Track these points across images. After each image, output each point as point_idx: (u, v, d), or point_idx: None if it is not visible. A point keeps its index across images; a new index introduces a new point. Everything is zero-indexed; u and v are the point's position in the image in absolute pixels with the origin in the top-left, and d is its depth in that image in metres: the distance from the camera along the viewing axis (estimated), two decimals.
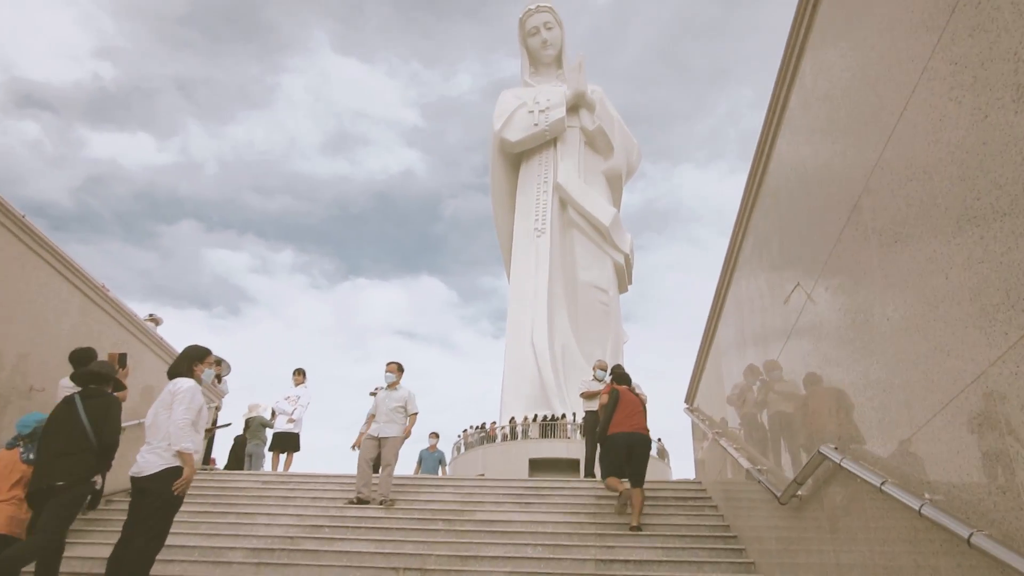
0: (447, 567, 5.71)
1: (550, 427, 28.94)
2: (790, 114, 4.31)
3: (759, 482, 4.87)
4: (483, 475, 15.89)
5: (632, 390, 9.61)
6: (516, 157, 40.23)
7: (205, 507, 7.30)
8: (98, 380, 5.11)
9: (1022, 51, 1.89)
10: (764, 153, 4.85)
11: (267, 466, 11.74)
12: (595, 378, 10.31)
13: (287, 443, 11.32)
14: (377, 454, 7.90)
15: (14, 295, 6.48)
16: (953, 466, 2.37)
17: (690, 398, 9.17)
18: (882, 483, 2.71)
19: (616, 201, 39.71)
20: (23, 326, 6.60)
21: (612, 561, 5.78)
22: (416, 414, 8.23)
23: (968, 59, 2.21)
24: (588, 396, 10.14)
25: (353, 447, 8.44)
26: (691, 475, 9.99)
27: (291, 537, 6.35)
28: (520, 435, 29.42)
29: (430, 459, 13.67)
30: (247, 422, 12.93)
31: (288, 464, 11.32)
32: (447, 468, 14.22)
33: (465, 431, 32.12)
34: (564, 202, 37.66)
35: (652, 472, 11.45)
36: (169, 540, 5.05)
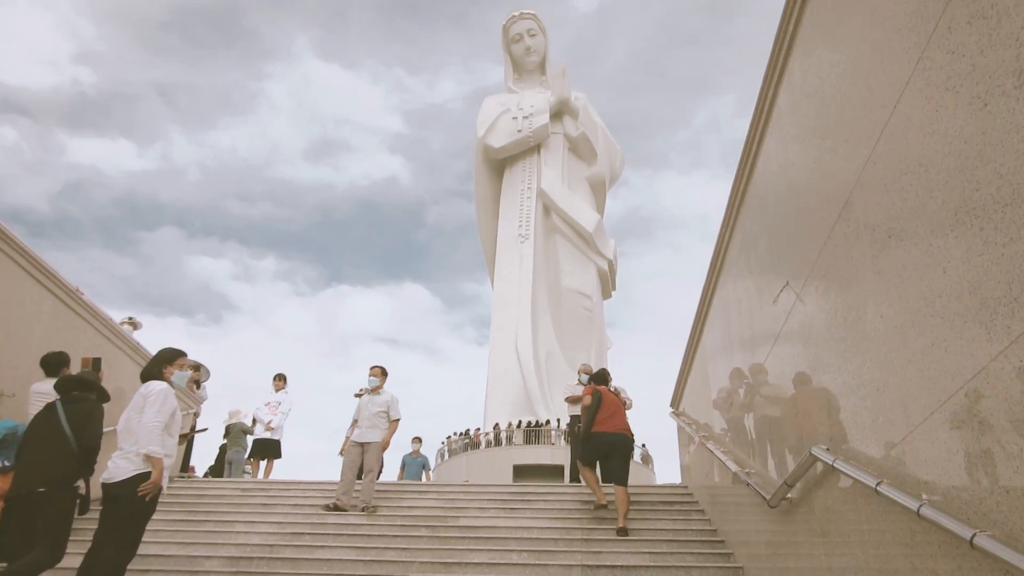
0: (430, 574, 5.59)
1: (534, 433, 28.81)
2: (778, 112, 4.26)
3: (747, 485, 4.80)
4: (467, 481, 15.75)
5: (614, 391, 9.61)
6: (500, 163, 40.19)
7: (182, 515, 7.13)
8: (81, 387, 5.04)
9: None
10: (751, 152, 4.80)
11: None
12: (580, 382, 10.23)
13: (268, 450, 11.13)
14: (362, 460, 7.77)
15: None
16: (952, 465, 2.31)
17: (675, 402, 9.12)
18: (877, 484, 2.64)
19: (600, 207, 39.76)
20: None
21: (599, 567, 5.69)
22: (398, 420, 8.09)
23: (966, 47, 2.16)
24: (573, 400, 10.07)
25: (340, 453, 8.30)
26: (676, 481, 9.93)
27: (270, 545, 6.20)
28: (504, 441, 29.26)
29: (413, 464, 13.53)
30: (227, 429, 12.72)
31: (268, 471, 11.13)
32: (431, 474, 14.07)
33: (449, 437, 31.91)
34: (548, 208, 37.64)
35: (636, 478, 11.39)
36: (144, 549, 4.91)
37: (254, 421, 11.66)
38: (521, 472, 25.71)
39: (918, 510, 2.29)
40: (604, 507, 7.15)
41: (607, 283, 38.11)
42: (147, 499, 4.38)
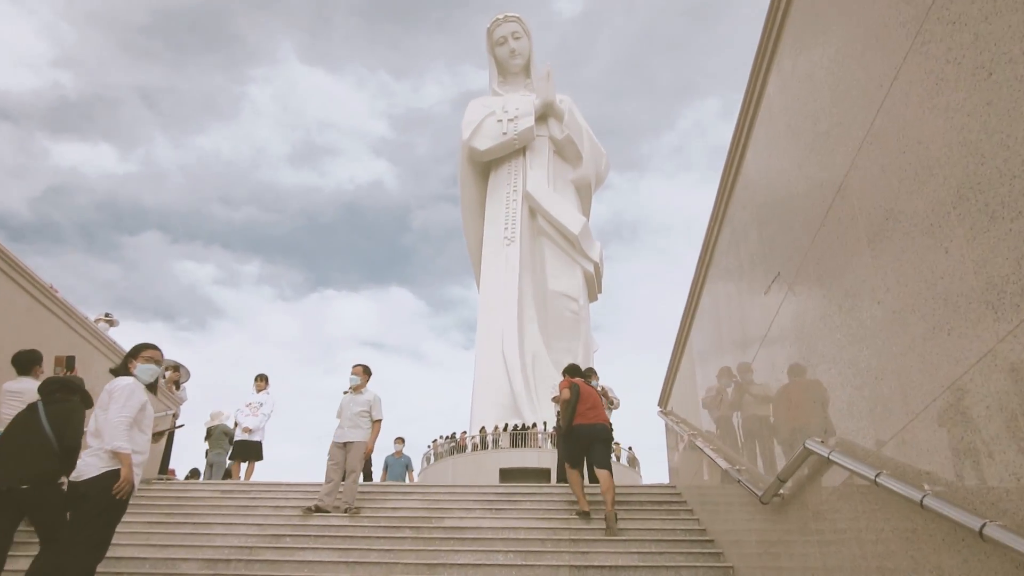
0: (414, 575, 5.46)
1: (521, 436, 28.70)
2: (768, 97, 4.18)
3: (738, 482, 4.70)
4: None
5: (601, 391, 9.59)
6: (485, 166, 40.13)
7: (159, 517, 6.95)
8: (65, 390, 4.94)
9: None
10: (740, 142, 4.72)
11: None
12: None
13: (249, 452, 10.92)
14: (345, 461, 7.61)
15: None
16: (956, 454, 2.21)
17: (663, 401, 9.02)
18: (877, 475, 2.54)
19: (585, 210, 39.77)
20: None
21: (587, 567, 5.57)
22: (380, 421, 7.91)
23: (968, 16, 2.07)
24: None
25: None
26: (662, 483, 9.84)
27: (249, 547, 6.04)
28: (490, 444, 29.14)
29: (396, 464, 13.37)
30: (209, 431, 12.52)
31: (249, 473, 10.93)
32: (414, 475, 13.91)
33: (435, 441, 31.74)
34: (533, 211, 37.61)
35: (623, 480, 11.30)
36: (118, 552, 4.77)
37: (236, 423, 11.46)
38: (507, 475, 25.56)
39: (921, 501, 2.19)
40: (587, 514, 7.01)
41: (593, 286, 38.09)
42: (118, 497, 4.21)
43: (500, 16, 42.24)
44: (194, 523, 6.79)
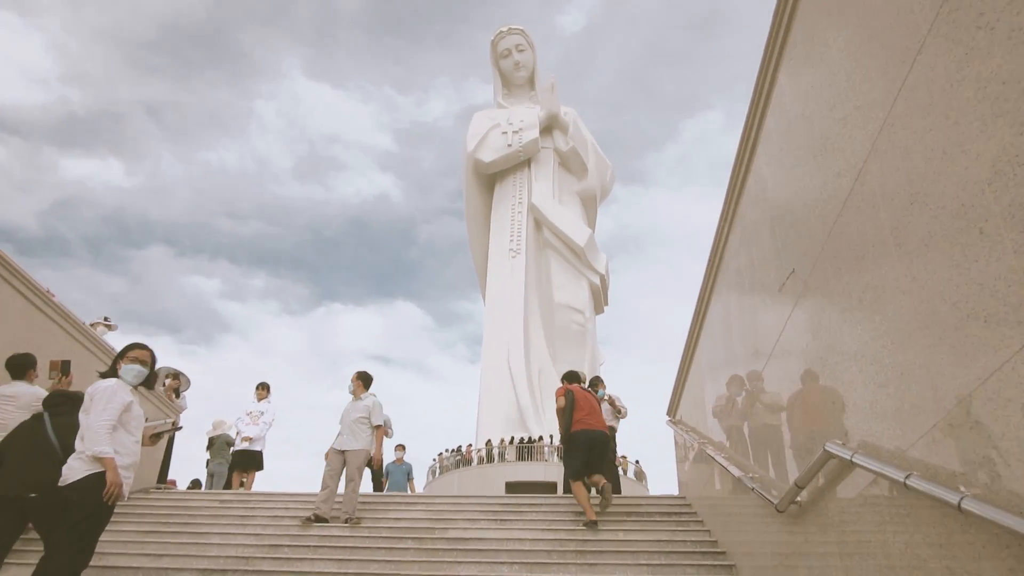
0: None
1: (527, 450, 28.45)
2: (779, 89, 4.03)
3: (752, 490, 4.51)
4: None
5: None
6: (490, 178, 40.10)
7: (154, 527, 6.78)
8: (70, 403, 4.89)
9: None
10: (751, 136, 4.56)
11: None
12: None
13: (249, 461, 10.74)
14: (342, 469, 7.43)
15: None
16: (995, 453, 2.03)
17: (672, 410, 8.82)
18: (907, 477, 2.36)
19: (591, 222, 39.68)
20: None
21: None
22: (380, 426, 7.73)
23: None
24: None
25: (326, 457, 7.97)
26: (671, 494, 9.62)
27: (246, 558, 5.86)
28: (496, 458, 28.90)
29: (397, 472, 13.15)
30: (211, 440, 12.39)
31: (249, 483, 10.75)
32: (414, 484, 13.67)
33: (440, 454, 31.51)
34: (539, 223, 37.54)
35: (630, 493, 11.07)
36: (111, 561, 4.62)
37: (237, 433, 11.30)
38: (514, 489, 25.31)
39: (959, 504, 2.01)
40: (594, 524, 6.87)
41: (599, 298, 37.91)
42: (108, 502, 4.05)
43: (504, 29, 42.37)
44: (190, 533, 6.62)
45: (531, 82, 42.39)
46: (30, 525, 4.57)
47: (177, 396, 10.46)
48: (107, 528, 6.35)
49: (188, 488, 13.30)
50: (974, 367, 2.09)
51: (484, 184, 40.39)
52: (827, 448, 3.16)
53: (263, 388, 11.26)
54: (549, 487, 23.99)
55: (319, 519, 7.01)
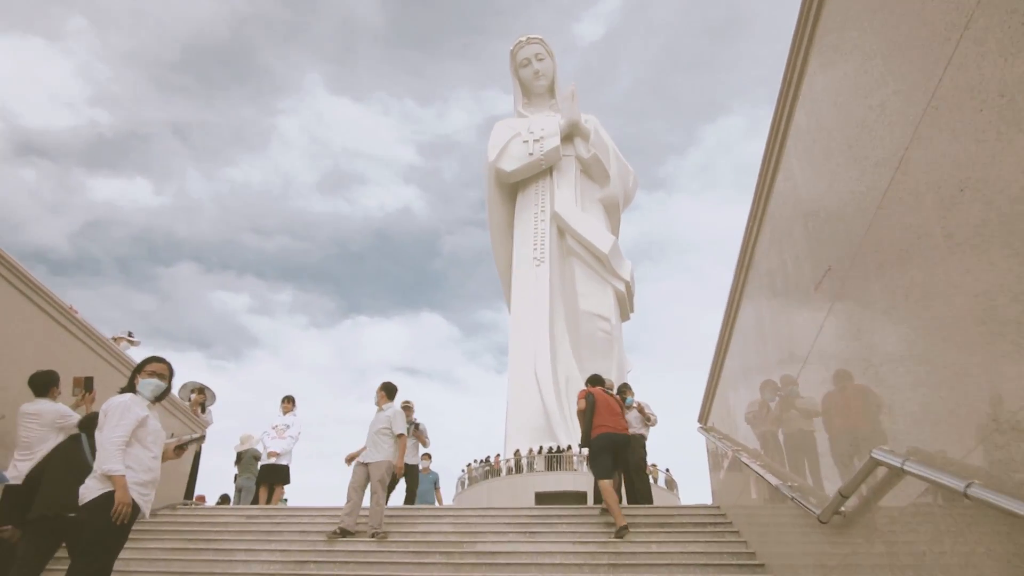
0: None
1: (556, 459, 28.19)
2: (810, 79, 3.86)
3: (791, 500, 4.31)
4: None
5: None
6: (512, 187, 40.04)
7: (180, 543, 6.72)
8: None
9: None
10: (780, 129, 4.39)
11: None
12: None
13: (275, 475, 10.68)
14: (367, 482, 7.32)
15: None
16: None
17: (703, 417, 8.60)
18: (967, 486, 2.17)
19: (614, 228, 39.42)
20: None
21: None
22: (402, 435, 7.61)
23: None
24: None
25: (347, 461, 7.87)
26: (704, 503, 9.38)
27: (271, 574, 5.76)
28: (525, 468, 28.68)
29: (424, 481, 12.99)
30: (239, 455, 12.38)
31: (276, 498, 10.68)
32: (441, 493, 13.47)
33: (469, 465, 31.35)
34: (562, 231, 37.36)
35: (661, 503, 10.84)
36: None
37: (265, 447, 11.26)
38: (543, 499, 25.06)
39: None
40: (625, 529, 6.74)
41: (625, 305, 37.59)
42: (117, 522, 3.94)
43: (523, 38, 42.39)
44: (215, 549, 6.55)
45: (551, 91, 42.32)
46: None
47: (203, 411, 10.45)
48: (132, 545, 6.30)
49: (217, 503, 13.31)
50: None
51: (506, 193, 40.34)
52: (874, 455, 2.97)
53: (288, 401, 11.21)
54: (579, 497, 23.71)
55: (344, 533, 6.90)
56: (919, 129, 2.59)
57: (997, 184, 2.08)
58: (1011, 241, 2.01)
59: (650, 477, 15.03)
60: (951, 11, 2.29)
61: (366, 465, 7.39)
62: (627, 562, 5.99)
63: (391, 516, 7.58)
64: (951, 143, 2.36)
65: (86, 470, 4.42)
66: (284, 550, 6.50)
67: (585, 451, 9.08)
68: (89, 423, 4.92)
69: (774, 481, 4.79)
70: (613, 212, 39.57)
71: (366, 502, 7.31)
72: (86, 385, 6.25)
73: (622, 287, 36.68)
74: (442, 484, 13.54)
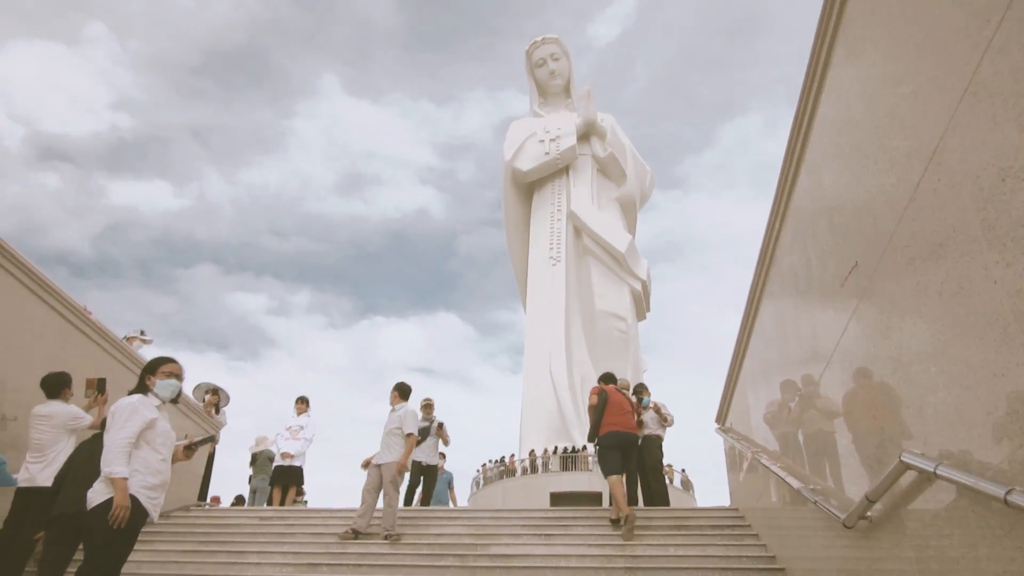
0: None
1: (571, 459, 28.02)
2: (836, 69, 3.73)
3: (814, 504, 4.18)
4: None
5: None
6: (528, 187, 39.91)
7: (193, 545, 6.67)
8: None
9: None
10: (804, 121, 4.25)
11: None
12: None
13: (289, 477, 10.63)
14: (380, 483, 7.24)
15: None
16: None
17: (721, 418, 8.45)
18: (1007, 492, 2.05)
19: (631, 227, 39.17)
20: None
21: None
22: (412, 435, 7.51)
23: None
24: None
25: (363, 466, 7.81)
26: (722, 505, 9.22)
27: None
28: (540, 468, 28.55)
29: (439, 482, 12.90)
30: (254, 456, 12.36)
31: (289, 499, 10.64)
32: (455, 492, 13.35)
33: (484, 465, 31.26)
34: (579, 230, 37.18)
35: (677, 504, 10.70)
36: None
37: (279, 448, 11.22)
38: (558, 500, 24.92)
39: None
40: (619, 521, 7.02)
41: (641, 304, 37.32)
42: (113, 526, 3.82)
43: (539, 38, 42.27)
44: (228, 551, 6.49)
45: (567, 90, 42.18)
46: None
47: (217, 412, 10.43)
48: (143, 547, 6.27)
49: (232, 504, 13.30)
50: None
51: (522, 193, 40.23)
52: (903, 459, 2.84)
53: (303, 402, 11.16)
54: (594, 497, 23.57)
55: (356, 534, 6.83)
56: (955, 117, 2.46)
57: None
58: None
59: (666, 478, 14.87)
60: None
61: (379, 467, 7.32)
62: (644, 566, 5.87)
63: (404, 518, 7.50)
64: (991, 130, 2.23)
65: None
66: (297, 552, 6.43)
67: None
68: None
69: (796, 484, 4.66)
70: (630, 211, 39.35)
71: (381, 504, 7.23)
72: (99, 386, 6.20)
73: (638, 286, 36.44)
74: (457, 484, 13.45)
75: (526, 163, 38.71)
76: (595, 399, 7.87)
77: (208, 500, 10.60)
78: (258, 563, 6.10)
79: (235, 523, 7.69)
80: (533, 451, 29.30)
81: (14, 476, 5.66)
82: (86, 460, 4.49)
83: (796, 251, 4.75)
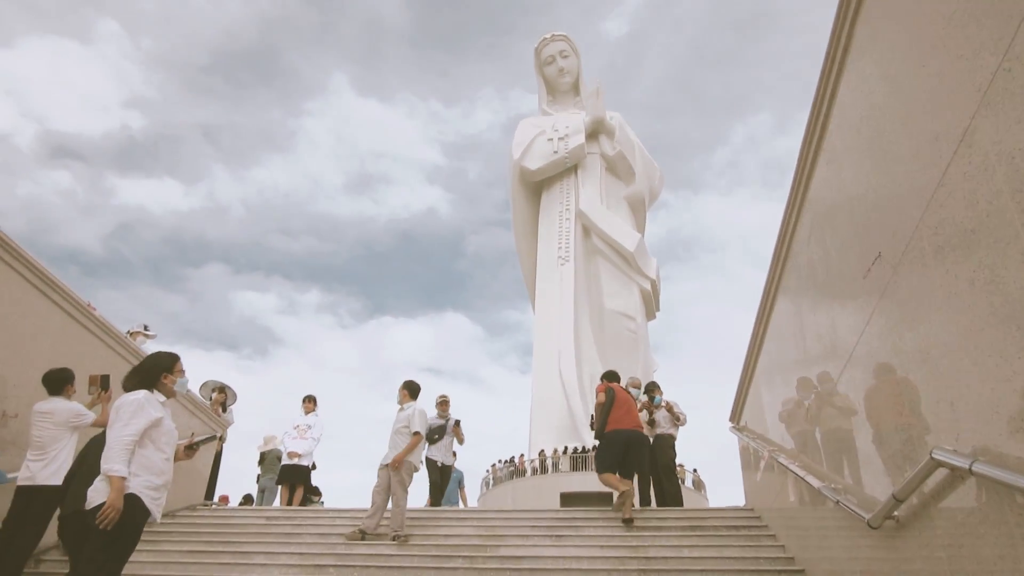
0: None
1: (581, 459, 27.88)
2: (857, 52, 3.59)
3: (836, 503, 4.04)
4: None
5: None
6: (537, 186, 39.77)
7: (198, 546, 6.58)
8: None
9: None
10: (821, 111, 4.12)
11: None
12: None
13: (296, 476, 10.54)
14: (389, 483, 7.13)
15: None
16: None
17: (736, 416, 8.30)
18: None
19: (640, 226, 38.96)
20: None
21: None
22: (417, 434, 7.40)
23: None
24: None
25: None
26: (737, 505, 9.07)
27: None
28: (550, 468, 28.43)
29: (449, 481, 12.78)
30: (262, 455, 12.30)
31: (297, 499, 10.54)
32: (466, 492, 13.20)
33: (494, 465, 31.17)
34: (587, 229, 37.02)
35: (689, 504, 10.56)
36: None
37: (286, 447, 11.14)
38: (569, 500, 24.78)
39: None
40: (622, 494, 7.27)
41: (650, 303, 37.14)
42: (100, 526, 3.68)
43: (547, 35, 42.10)
44: (233, 552, 6.39)
45: (576, 88, 41.99)
46: None
47: (224, 410, 10.35)
48: (147, 547, 6.19)
49: (240, 504, 13.24)
50: None
51: (531, 192, 40.09)
52: (935, 456, 2.70)
53: (310, 401, 11.07)
54: (605, 498, 23.37)
55: (364, 535, 6.72)
56: (988, 95, 2.33)
57: None
58: None
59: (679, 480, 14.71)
60: None
61: (386, 467, 7.21)
62: (658, 567, 5.73)
63: (413, 518, 7.39)
64: None
65: None
66: (303, 553, 6.33)
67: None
68: None
69: (816, 483, 4.52)
70: (639, 210, 39.14)
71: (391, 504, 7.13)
72: (102, 383, 6.11)
73: (648, 285, 36.26)
74: (467, 484, 13.32)
75: (534, 162, 38.57)
76: (603, 396, 7.92)
77: (216, 499, 10.52)
78: (264, 564, 6.00)
79: (241, 523, 7.60)
80: (543, 451, 29.18)
81: (10, 475, 5.58)
82: (97, 458, 4.41)
83: (814, 243, 4.62)
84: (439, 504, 10.42)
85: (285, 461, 10.64)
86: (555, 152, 38.23)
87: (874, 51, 3.41)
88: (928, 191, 2.81)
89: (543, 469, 28.51)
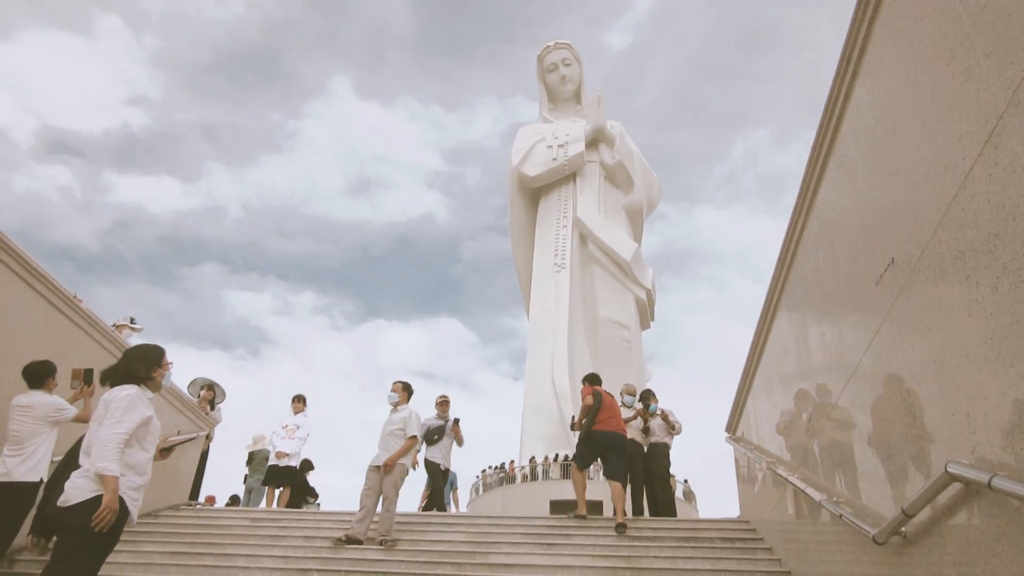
0: None
1: (571, 467, 27.73)
2: (873, 50, 3.48)
3: (839, 517, 3.91)
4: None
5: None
6: (535, 193, 39.71)
7: (179, 547, 6.40)
8: None
9: None
10: (834, 113, 4.01)
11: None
12: (623, 404, 9.39)
13: (283, 477, 10.36)
14: (379, 486, 6.97)
15: None
16: None
17: (732, 426, 8.17)
18: None
19: (637, 236, 38.93)
20: None
21: None
22: (414, 438, 7.25)
23: None
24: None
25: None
26: (731, 517, 8.93)
27: None
28: (541, 475, 28.28)
29: None
30: (250, 455, 12.14)
31: (284, 500, 10.36)
32: (458, 494, 13.04)
33: (484, 471, 30.99)
34: (584, 237, 36.97)
35: (680, 515, 10.41)
36: None
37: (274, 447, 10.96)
38: (558, 507, 24.62)
39: None
40: (584, 518, 7.56)
41: (645, 313, 37.10)
42: (96, 529, 3.50)
43: (550, 43, 42.14)
44: (215, 554, 6.21)
45: (577, 96, 42.01)
46: None
47: (212, 408, 10.18)
48: (126, 548, 6.01)
49: (227, 504, 13.05)
50: None
51: (529, 199, 40.03)
52: (950, 470, 2.58)
53: (299, 401, 10.90)
54: (595, 506, 23.21)
55: (351, 540, 6.56)
56: (1018, 94, 2.22)
57: None
58: None
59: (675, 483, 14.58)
60: None
61: (378, 469, 7.05)
62: None
63: (401, 523, 7.23)
64: None
65: None
66: (287, 556, 6.17)
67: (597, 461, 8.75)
68: None
69: (817, 496, 4.39)
70: (636, 219, 39.11)
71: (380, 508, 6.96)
72: (85, 377, 5.94)
73: (643, 295, 36.23)
74: (458, 483, 13.18)
75: (533, 168, 38.52)
76: (591, 399, 8.12)
77: (203, 500, 10.34)
78: (246, 567, 5.84)
79: (225, 524, 7.43)
80: (533, 458, 29.03)
81: None
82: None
83: (822, 250, 4.50)
84: (444, 509, 10.26)
85: (272, 461, 10.46)
86: (554, 159, 38.22)
87: (895, 49, 3.30)
88: (949, 194, 2.70)
89: (533, 476, 28.36)
